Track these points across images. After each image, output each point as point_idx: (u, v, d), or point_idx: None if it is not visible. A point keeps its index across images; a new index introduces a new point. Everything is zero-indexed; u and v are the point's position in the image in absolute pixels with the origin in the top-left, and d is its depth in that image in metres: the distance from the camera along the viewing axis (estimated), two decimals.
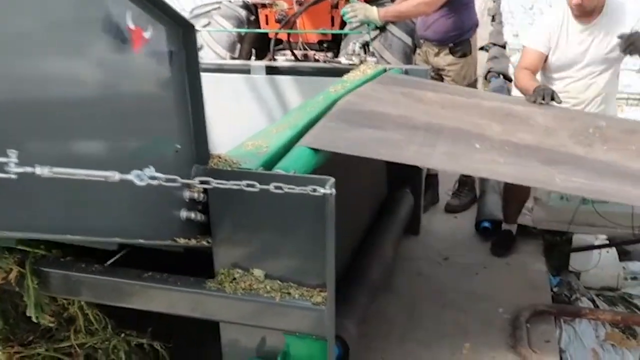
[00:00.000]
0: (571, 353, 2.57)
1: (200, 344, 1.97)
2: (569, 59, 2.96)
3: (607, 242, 3.14)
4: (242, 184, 1.27)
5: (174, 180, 1.15)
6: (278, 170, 1.57)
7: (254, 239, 1.63)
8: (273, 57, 3.81)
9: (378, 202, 3.12)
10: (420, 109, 2.28)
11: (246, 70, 3.40)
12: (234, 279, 1.65)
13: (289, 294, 1.61)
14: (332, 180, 1.45)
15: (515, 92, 5.73)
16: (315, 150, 1.80)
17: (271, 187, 1.31)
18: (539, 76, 3.07)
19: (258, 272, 1.65)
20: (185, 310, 1.72)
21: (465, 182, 3.91)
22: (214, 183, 1.25)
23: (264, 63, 3.45)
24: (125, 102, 1.36)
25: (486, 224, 3.44)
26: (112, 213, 1.31)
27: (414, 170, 3.28)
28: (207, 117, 3.53)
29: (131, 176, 1.08)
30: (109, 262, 1.90)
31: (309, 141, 1.80)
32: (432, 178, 3.85)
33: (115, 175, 1.06)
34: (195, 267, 1.70)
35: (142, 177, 1.09)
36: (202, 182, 1.27)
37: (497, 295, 2.83)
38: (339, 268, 2.45)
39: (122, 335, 2.04)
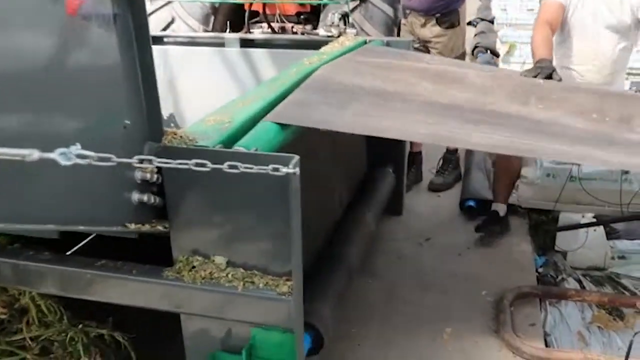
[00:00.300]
0: (556, 336, 2.47)
1: (165, 334, 1.83)
2: (580, 21, 2.88)
3: (594, 220, 3.03)
4: (191, 163, 1.12)
5: (107, 159, 1.00)
6: (238, 147, 1.43)
7: (214, 224, 1.50)
8: (248, 29, 3.64)
9: (357, 180, 2.99)
10: (384, 77, 2.16)
11: (220, 44, 3.23)
12: (193, 267, 1.52)
13: (252, 283, 1.49)
14: (296, 158, 1.32)
15: (501, 67, 5.60)
16: (283, 126, 1.65)
17: (225, 166, 1.17)
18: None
19: (219, 260, 1.52)
20: (140, 301, 1.59)
21: (449, 160, 3.78)
22: (157, 162, 1.10)
23: (238, 36, 3.27)
24: (60, 73, 1.20)
25: (471, 203, 3.33)
26: (46, 197, 1.16)
27: (396, 147, 3.15)
28: (179, 93, 3.38)
29: (54, 155, 0.93)
30: (70, 251, 1.76)
31: (275, 116, 1.65)
32: (416, 156, 3.73)
33: (34, 154, 0.91)
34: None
35: (68, 155, 0.94)
36: (142, 162, 1.12)
37: (480, 277, 2.73)
38: (313, 251, 2.34)
39: (80, 326, 1.92)
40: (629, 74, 4.06)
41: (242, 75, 3.12)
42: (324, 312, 1.99)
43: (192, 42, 3.27)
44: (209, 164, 1.14)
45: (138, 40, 1.38)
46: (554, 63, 3.01)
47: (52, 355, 1.93)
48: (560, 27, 2.92)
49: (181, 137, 1.45)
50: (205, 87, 3.09)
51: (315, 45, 2.86)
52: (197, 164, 1.12)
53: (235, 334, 1.62)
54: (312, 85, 1.97)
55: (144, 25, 1.39)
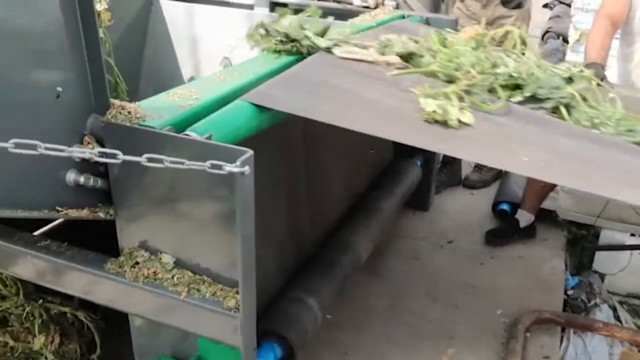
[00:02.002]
0: None
1: None
2: None
3: None
4: (94, 152, 0.90)
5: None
6: (189, 131, 1.20)
7: (163, 216, 1.29)
8: None
9: (377, 171, 2.72)
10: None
11: (249, 6, 2.99)
12: (137, 263, 1.33)
13: (198, 290, 1.28)
14: (249, 153, 1.08)
15: (570, 56, 5.11)
16: (264, 108, 1.41)
17: (143, 159, 0.95)
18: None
19: (167, 258, 1.32)
20: (78, 290, 1.42)
21: None
22: (41, 148, 0.89)
23: None
24: None
25: (504, 207, 3.00)
26: None
27: None
28: (201, 56, 3.16)
29: None
30: (38, 232, 1.60)
31: (253, 95, 1.41)
32: None
33: None
34: None
35: None
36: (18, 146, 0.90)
37: (499, 293, 2.44)
38: (304, 250, 2.09)
39: (41, 301, 1.78)
40: None
41: None
42: (302, 319, 1.77)
43: (219, 2, 3.04)
44: (120, 155, 0.92)
45: None
46: (617, 74, 2.63)
47: (9, 328, 1.83)
48: (624, 27, 2.52)
49: (129, 112, 1.24)
50: (229, 52, 2.86)
51: (348, 15, 2.59)
52: (100, 154, 0.90)
53: (183, 341, 1.43)
54: (315, 63, 1.71)
55: None
